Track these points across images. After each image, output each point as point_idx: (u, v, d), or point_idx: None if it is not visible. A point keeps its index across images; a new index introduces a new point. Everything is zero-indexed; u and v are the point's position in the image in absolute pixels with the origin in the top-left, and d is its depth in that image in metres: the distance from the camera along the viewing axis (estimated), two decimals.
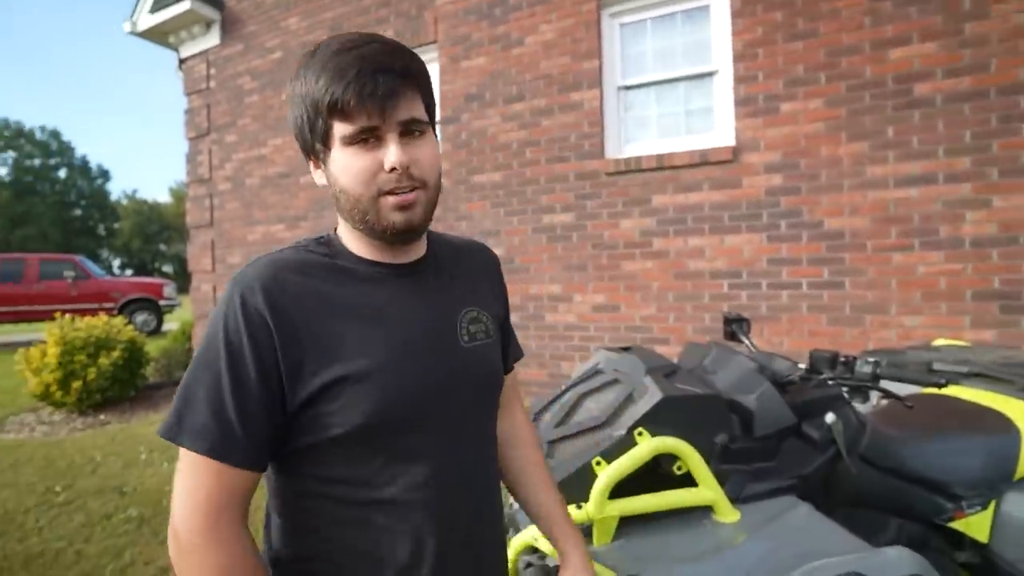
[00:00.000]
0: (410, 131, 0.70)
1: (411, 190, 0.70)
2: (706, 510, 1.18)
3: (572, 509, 1.14)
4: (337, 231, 0.81)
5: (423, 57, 4.59)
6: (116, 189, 65.34)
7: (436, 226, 0.97)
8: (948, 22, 2.88)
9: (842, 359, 1.33)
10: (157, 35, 5.96)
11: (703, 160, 3.43)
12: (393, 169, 0.68)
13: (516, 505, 1.32)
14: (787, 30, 3.21)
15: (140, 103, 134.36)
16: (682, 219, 3.53)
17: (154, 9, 5.68)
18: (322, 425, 0.67)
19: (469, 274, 0.88)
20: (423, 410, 0.72)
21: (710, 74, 3.55)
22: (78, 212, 51.49)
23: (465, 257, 0.90)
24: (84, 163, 52.29)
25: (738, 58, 3.35)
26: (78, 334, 4.98)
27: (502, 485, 0.92)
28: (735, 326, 1.77)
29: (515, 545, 1.20)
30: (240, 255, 5.68)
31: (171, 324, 11.87)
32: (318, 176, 0.76)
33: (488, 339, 0.84)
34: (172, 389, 6.09)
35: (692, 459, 1.14)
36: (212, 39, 5.78)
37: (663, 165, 3.55)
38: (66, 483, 3.47)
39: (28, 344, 5.34)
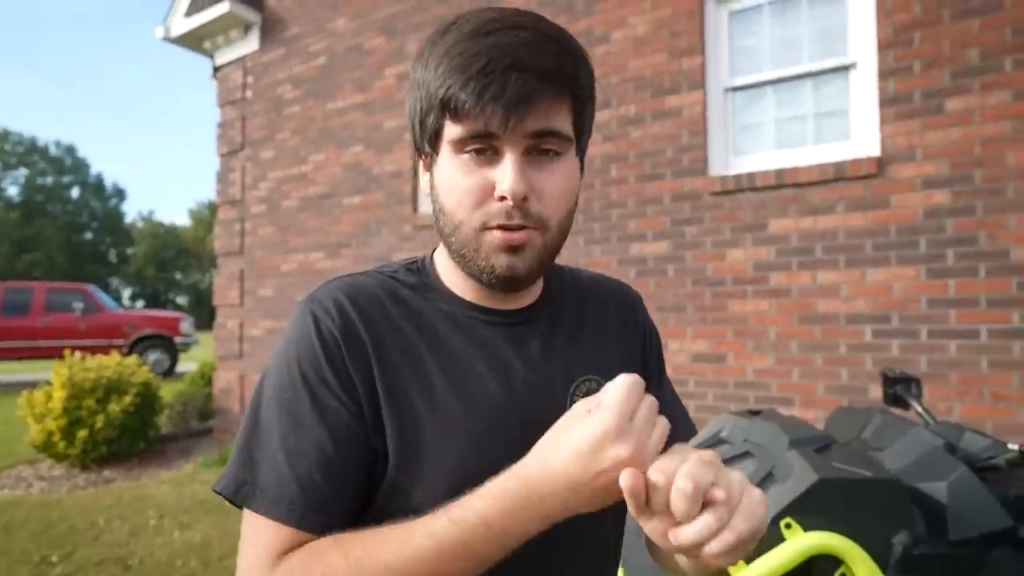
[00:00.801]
0: (541, 149, 0.66)
1: (521, 228, 0.66)
2: None
3: None
4: (433, 256, 0.79)
5: None
6: (131, 210, 70.33)
7: None
8: None
9: None
10: (192, 40, 6.51)
11: (837, 175, 3.32)
12: (504, 198, 0.64)
13: None
14: (956, 5, 3.10)
15: (163, 116, 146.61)
16: (809, 249, 3.42)
17: (190, 12, 6.22)
18: (383, 503, 0.66)
19: (595, 328, 0.82)
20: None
21: (846, 68, 3.47)
22: (88, 235, 56.16)
23: (592, 304, 0.84)
24: (99, 181, 57.33)
25: (886, 46, 3.26)
26: (87, 375, 5.32)
27: None
28: (900, 387, 1.68)
29: None
30: (272, 287, 5.95)
31: (187, 364, 12.51)
32: (424, 181, 0.74)
33: None
34: (187, 442, 6.37)
35: (862, 565, 1.07)
36: (251, 44, 6.25)
37: (783, 182, 3.47)
38: (64, 552, 3.65)
39: (33, 385, 5.74)
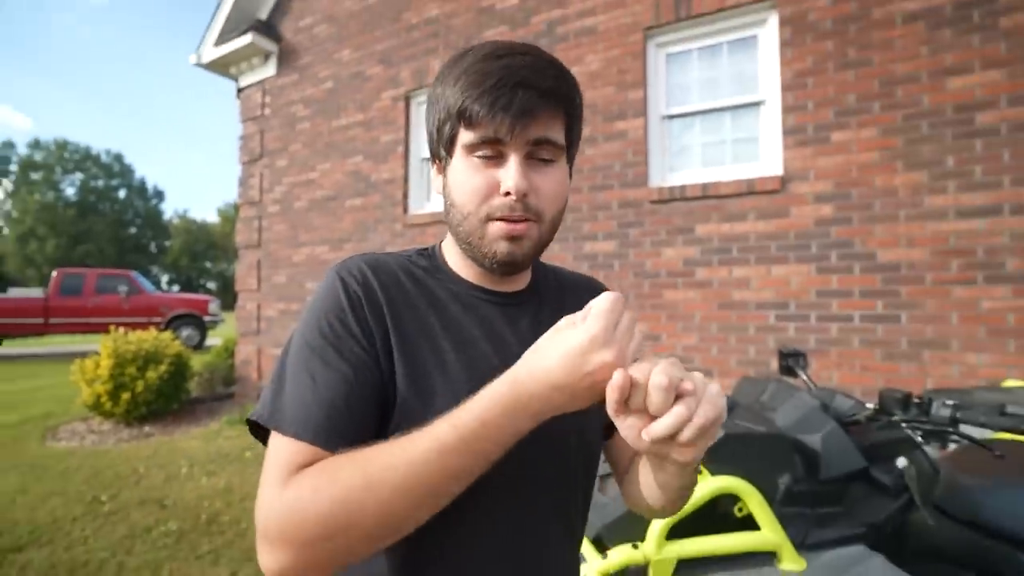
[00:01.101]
0: (539, 156, 0.65)
1: (523, 220, 0.65)
2: (768, 556, 1.11)
3: (627, 549, 1.10)
4: (442, 245, 0.77)
5: None
6: (169, 209, 68.76)
7: None
8: (1013, 49, 2.78)
9: (915, 400, 1.25)
10: (219, 66, 6.30)
11: (749, 189, 3.36)
12: (508, 194, 0.63)
13: None
14: (838, 59, 3.16)
15: (195, 129, 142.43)
16: (727, 248, 3.46)
17: (218, 43, 6.01)
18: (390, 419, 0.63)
19: (570, 312, 0.80)
20: (491, 470, 0.60)
21: (757, 104, 3.50)
22: (133, 230, 54.48)
23: (570, 294, 0.81)
24: (142, 184, 55.57)
25: (787, 87, 3.30)
26: (129, 347, 5.19)
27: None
28: (791, 360, 1.70)
29: None
30: (285, 275, 5.84)
31: (214, 340, 12.26)
32: (437, 183, 0.73)
33: None
34: (213, 404, 6.24)
35: (755, 501, 1.09)
36: (269, 70, 6.07)
37: (708, 194, 3.50)
38: (112, 493, 3.57)
39: (84, 355, 5.58)
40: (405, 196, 4.98)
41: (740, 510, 1.11)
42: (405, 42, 4.98)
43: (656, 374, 0.48)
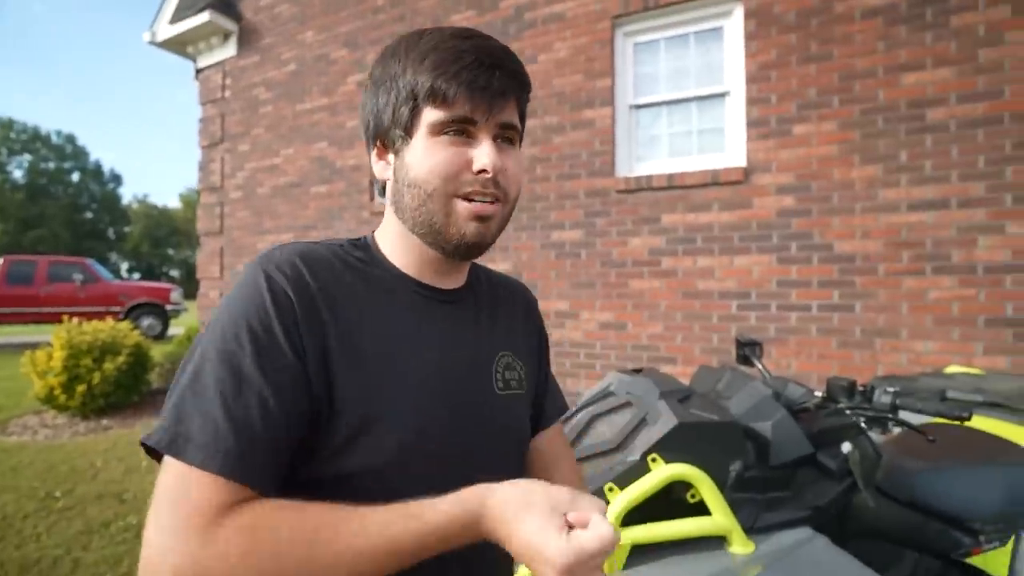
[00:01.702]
0: (505, 138, 0.64)
1: (493, 200, 0.63)
2: (719, 540, 1.15)
3: None
4: (375, 236, 0.72)
5: None
6: (127, 194, 66.33)
7: None
8: (962, 48, 2.88)
9: (860, 388, 1.30)
10: (176, 45, 6.05)
11: (714, 180, 3.42)
12: (483, 171, 0.60)
13: None
14: (801, 53, 3.23)
15: (154, 110, 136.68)
16: (691, 239, 3.52)
17: (174, 20, 5.76)
18: (328, 458, 0.56)
19: (507, 316, 0.79)
20: (443, 460, 0.62)
21: (722, 95, 3.55)
22: (89, 215, 52.28)
23: (503, 295, 0.81)
24: (97, 167, 53.24)
25: (751, 79, 3.36)
26: (84, 338, 5.00)
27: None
28: (748, 349, 1.75)
29: (522, 571, 1.17)
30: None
31: (176, 329, 11.90)
32: (380, 168, 0.68)
33: (520, 390, 0.75)
34: None
35: (706, 487, 1.12)
36: (229, 50, 5.85)
37: (673, 184, 3.55)
38: (66, 488, 3.45)
39: (35, 346, 5.35)
40: (371, 183, 4.89)
41: (692, 496, 1.14)
42: (371, 24, 4.87)
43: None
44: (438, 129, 0.60)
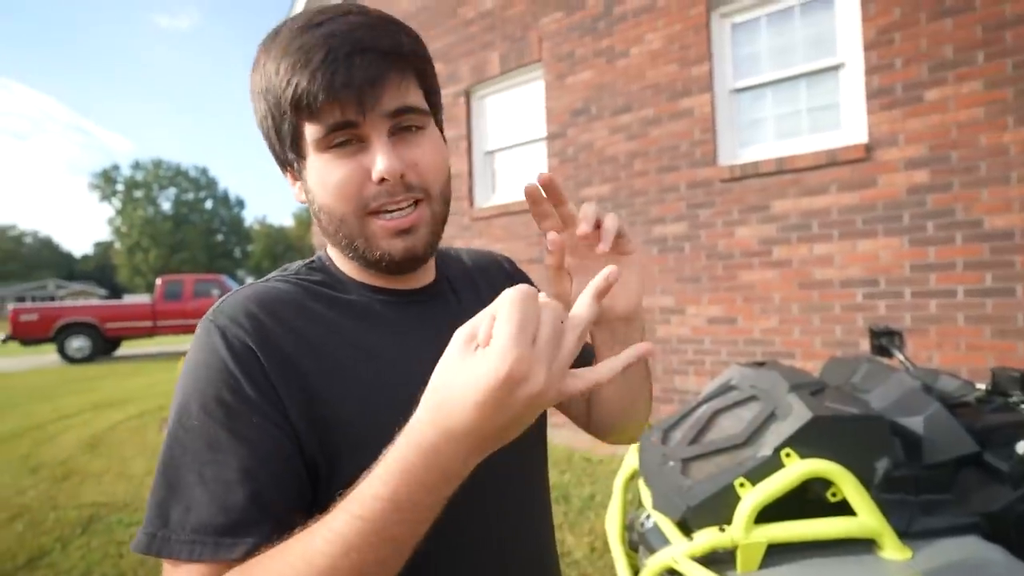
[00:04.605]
0: (403, 126, 0.54)
1: (412, 205, 0.55)
2: (868, 544, 1.06)
3: (714, 532, 1.09)
4: (329, 253, 0.65)
5: (527, 77, 4.75)
6: (249, 216, 73.43)
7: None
8: None
9: None
10: None
11: (830, 160, 3.17)
12: (383, 180, 0.52)
13: (648, 523, 1.28)
14: (931, 8, 2.89)
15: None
16: (806, 225, 3.28)
17: None
18: (342, 486, 0.47)
19: (491, 293, 0.64)
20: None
21: (835, 68, 3.28)
22: (220, 238, 59.31)
23: (480, 278, 0.73)
24: (225, 195, 60.09)
25: (870, 46, 3.07)
26: None
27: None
28: (885, 339, 1.61)
29: (652, 568, 1.16)
30: None
31: None
32: (296, 192, 0.60)
33: None
34: None
35: (850, 485, 1.05)
36: None
37: (783, 168, 3.33)
38: None
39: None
40: (471, 190, 5.07)
41: (833, 495, 1.07)
42: (463, 37, 5.05)
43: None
44: (322, 145, 0.52)
